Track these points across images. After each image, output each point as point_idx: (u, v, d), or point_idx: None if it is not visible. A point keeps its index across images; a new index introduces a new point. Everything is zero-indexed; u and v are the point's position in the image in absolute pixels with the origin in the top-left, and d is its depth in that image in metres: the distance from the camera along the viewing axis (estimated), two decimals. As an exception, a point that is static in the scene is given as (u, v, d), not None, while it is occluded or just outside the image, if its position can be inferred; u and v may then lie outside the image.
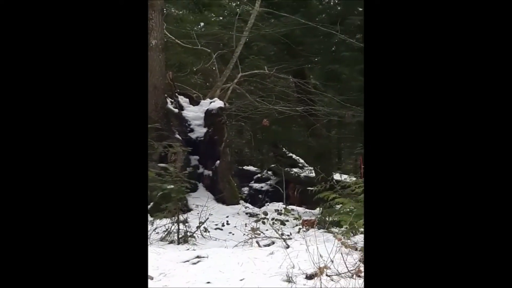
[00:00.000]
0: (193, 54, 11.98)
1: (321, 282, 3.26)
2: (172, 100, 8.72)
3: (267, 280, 3.46)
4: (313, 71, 13.11)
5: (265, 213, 7.21)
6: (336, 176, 10.18)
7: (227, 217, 7.28)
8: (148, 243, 4.89)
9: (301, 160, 12.83)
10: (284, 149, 13.45)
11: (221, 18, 13.48)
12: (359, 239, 4.06)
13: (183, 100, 9.23)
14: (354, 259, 3.58)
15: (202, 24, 13.17)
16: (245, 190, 11.75)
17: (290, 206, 8.55)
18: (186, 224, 5.62)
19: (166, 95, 8.52)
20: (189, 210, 7.18)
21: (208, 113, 8.92)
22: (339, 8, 12.32)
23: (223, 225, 6.74)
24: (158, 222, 5.63)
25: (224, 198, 8.30)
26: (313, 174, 11.21)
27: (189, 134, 8.82)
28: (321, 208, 6.65)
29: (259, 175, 12.68)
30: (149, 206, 6.05)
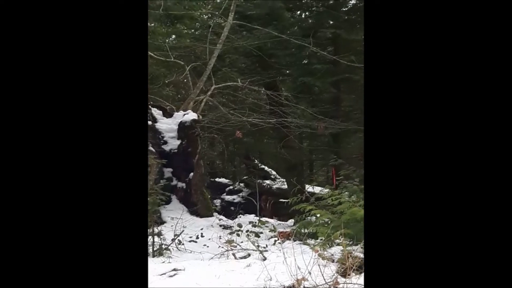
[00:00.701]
0: (165, 67, 11.97)
1: (299, 294, 3.27)
2: (146, 112, 8.67)
3: (245, 292, 3.45)
4: (285, 83, 13.23)
5: (240, 225, 7.21)
6: (309, 188, 10.25)
7: (202, 229, 7.27)
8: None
9: (273, 172, 12.86)
10: (256, 161, 13.49)
11: (193, 30, 13.51)
12: (336, 250, 4.09)
13: (156, 112, 9.20)
14: (332, 270, 3.60)
15: (174, 36, 13.18)
16: (217, 202, 11.75)
17: (263, 218, 8.56)
18: (161, 236, 5.58)
19: (139, 107, 8.45)
20: (163, 222, 7.14)
21: (182, 125, 8.91)
22: (310, 21, 12.50)
23: (197, 238, 6.72)
24: (132, 234, 5.56)
25: (198, 210, 8.28)
26: (285, 186, 11.26)
27: (162, 146, 8.80)
28: (295, 220, 6.68)
29: (231, 187, 12.70)
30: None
